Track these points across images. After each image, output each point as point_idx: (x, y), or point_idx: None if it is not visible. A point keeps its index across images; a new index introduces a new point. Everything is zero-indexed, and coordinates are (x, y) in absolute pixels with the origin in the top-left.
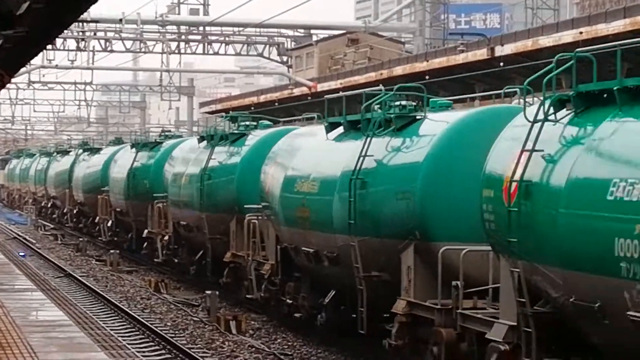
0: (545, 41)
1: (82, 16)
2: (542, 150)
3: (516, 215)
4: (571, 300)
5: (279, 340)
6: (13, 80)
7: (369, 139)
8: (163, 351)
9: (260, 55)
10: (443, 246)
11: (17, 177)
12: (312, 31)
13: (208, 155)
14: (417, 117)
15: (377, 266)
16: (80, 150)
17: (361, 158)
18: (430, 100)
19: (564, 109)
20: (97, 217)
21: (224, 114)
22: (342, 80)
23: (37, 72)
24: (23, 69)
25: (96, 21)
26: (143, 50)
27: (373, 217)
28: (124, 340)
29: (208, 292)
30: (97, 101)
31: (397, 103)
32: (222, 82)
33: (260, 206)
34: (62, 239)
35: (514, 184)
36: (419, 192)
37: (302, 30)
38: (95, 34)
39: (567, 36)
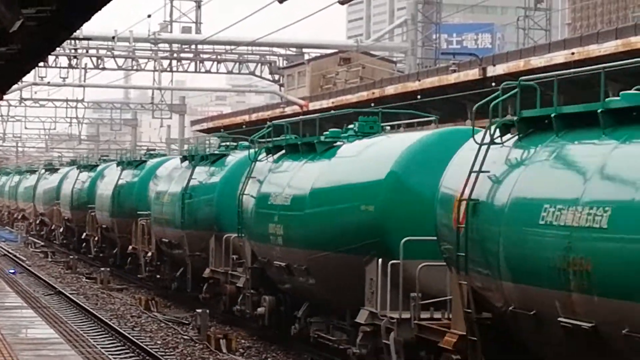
0: (537, 62)
1: (74, 34)
2: (255, 177)
3: (242, 213)
4: (260, 258)
5: (269, 359)
6: (5, 97)
7: (194, 168)
8: None
9: (252, 73)
10: (225, 235)
11: None
12: (304, 50)
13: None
14: (225, 154)
15: (198, 249)
16: (43, 170)
17: (190, 179)
18: (239, 143)
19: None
20: (53, 225)
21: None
22: (334, 99)
23: (28, 89)
24: (15, 86)
25: (88, 39)
26: (135, 68)
27: (193, 218)
28: (114, 358)
29: (198, 310)
30: (88, 119)
31: (226, 143)
32: (213, 100)
33: (148, 212)
34: (52, 256)
35: (241, 196)
36: (215, 201)
37: (294, 49)
38: (87, 52)
39: (559, 57)
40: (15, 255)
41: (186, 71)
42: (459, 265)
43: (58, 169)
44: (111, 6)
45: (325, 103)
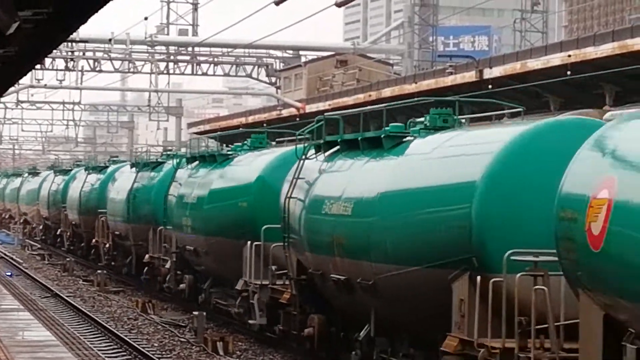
0: (534, 64)
1: (71, 36)
2: (177, 181)
3: (167, 209)
4: (179, 245)
5: None
6: (1, 99)
7: (138, 173)
8: None
9: (249, 76)
10: (159, 227)
11: None
12: (301, 52)
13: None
14: (163, 162)
15: (140, 239)
16: (27, 174)
17: (134, 182)
18: (177, 153)
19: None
20: (34, 223)
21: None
22: (331, 101)
23: (25, 91)
24: (11, 89)
25: (85, 41)
26: (132, 70)
27: (136, 213)
28: None
29: (195, 313)
30: (85, 121)
31: (168, 152)
32: (210, 102)
33: (105, 210)
34: (49, 258)
35: (167, 196)
36: (152, 200)
37: (290, 52)
38: (84, 54)
39: (556, 59)
40: (12, 258)
41: (183, 73)
42: (285, 243)
43: (39, 173)
44: (108, 8)
45: (322, 105)
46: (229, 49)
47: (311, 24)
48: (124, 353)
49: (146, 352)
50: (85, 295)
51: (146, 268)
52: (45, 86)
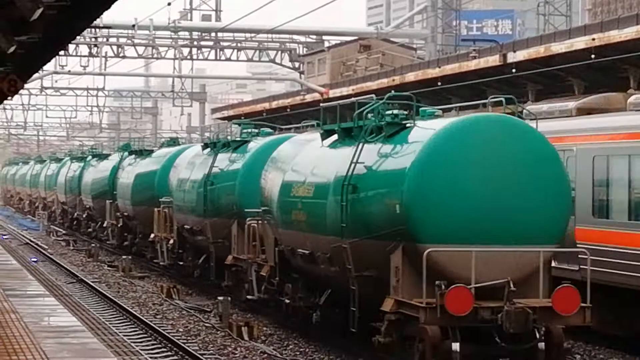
0: (558, 47)
1: (94, 22)
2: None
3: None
4: (66, 205)
5: (290, 347)
6: (26, 86)
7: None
8: (175, 357)
9: (272, 61)
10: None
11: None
12: (324, 37)
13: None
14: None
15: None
16: (20, 164)
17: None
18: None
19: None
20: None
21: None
22: (354, 86)
23: (49, 77)
24: (36, 75)
25: (109, 27)
26: (155, 56)
27: (48, 183)
28: (136, 346)
29: (220, 298)
30: (109, 107)
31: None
32: (234, 88)
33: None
34: (74, 244)
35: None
36: (47, 179)
37: (314, 36)
38: (107, 40)
39: (580, 42)
40: (37, 244)
41: (206, 59)
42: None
43: (29, 163)
44: None
45: (345, 90)
46: (252, 34)
47: (334, 8)
48: (149, 338)
49: (171, 337)
50: (110, 281)
51: (48, 210)
52: (69, 72)
